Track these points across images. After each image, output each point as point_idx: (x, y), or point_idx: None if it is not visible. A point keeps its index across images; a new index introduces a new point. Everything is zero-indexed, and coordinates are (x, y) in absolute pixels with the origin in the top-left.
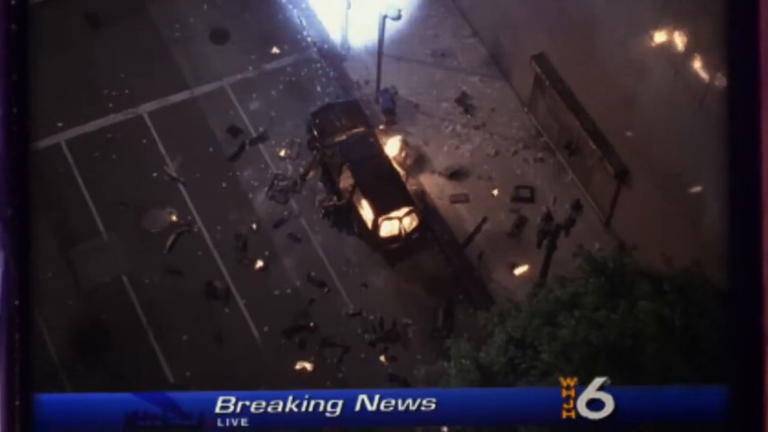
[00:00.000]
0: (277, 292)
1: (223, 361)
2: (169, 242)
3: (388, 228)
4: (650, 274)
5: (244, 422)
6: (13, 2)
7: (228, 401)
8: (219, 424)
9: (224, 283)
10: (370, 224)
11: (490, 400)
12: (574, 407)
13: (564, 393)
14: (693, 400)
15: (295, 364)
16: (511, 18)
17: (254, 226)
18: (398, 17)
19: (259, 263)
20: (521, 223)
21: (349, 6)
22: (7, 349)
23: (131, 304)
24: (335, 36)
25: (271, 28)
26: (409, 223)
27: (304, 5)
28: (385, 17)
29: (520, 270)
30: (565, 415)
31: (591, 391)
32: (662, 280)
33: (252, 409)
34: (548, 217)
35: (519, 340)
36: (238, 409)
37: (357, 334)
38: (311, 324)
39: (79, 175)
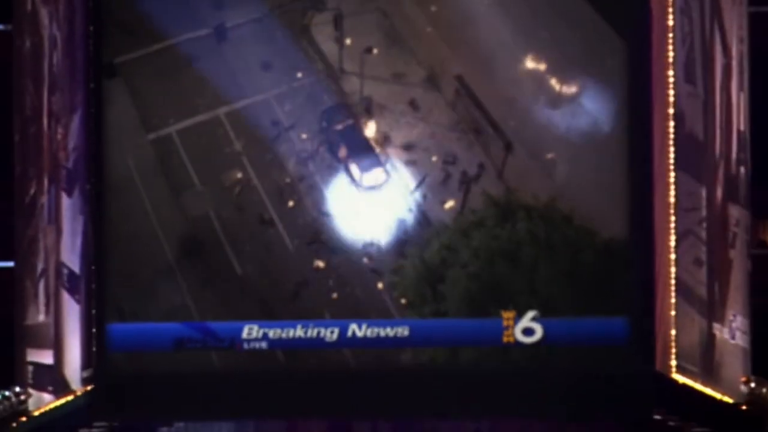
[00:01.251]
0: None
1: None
2: (236, 191)
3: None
4: (525, 206)
5: (264, 345)
6: None
7: (252, 329)
8: (245, 346)
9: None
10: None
11: (450, 327)
12: (512, 333)
13: (504, 323)
14: (601, 328)
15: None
16: (444, 50)
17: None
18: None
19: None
20: (448, 176)
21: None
22: (86, 294)
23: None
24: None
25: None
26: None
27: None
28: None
29: (448, 205)
30: (505, 339)
31: (525, 321)
32: (531, 210)
33: (270, 335)
34: (463, 172)
35: (448, 245)
36: (260, 335)
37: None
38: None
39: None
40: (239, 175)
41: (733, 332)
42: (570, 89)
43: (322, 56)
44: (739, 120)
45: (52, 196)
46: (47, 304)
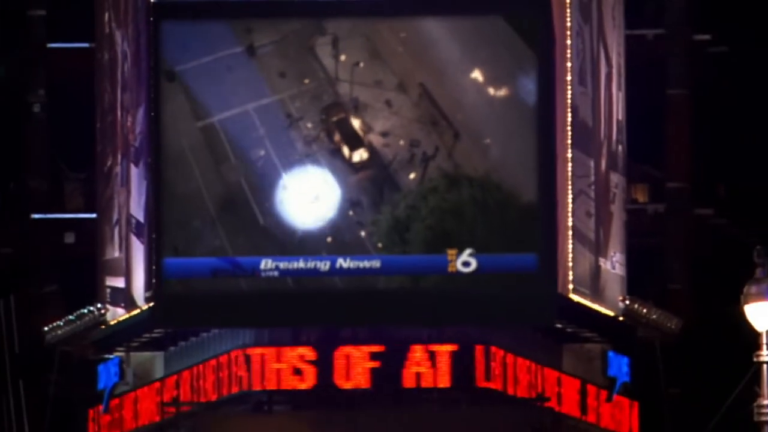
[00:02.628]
0: None
1: None
2: (259, 164)
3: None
4: (467, 177)
5: (276, 273)
6: None
7: (267, 262)
8: (263, 275)
9: None
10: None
11: (411, 261)
12: (455, 265)
13: (449, 258)
14: (518, 262)
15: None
16: (410, 64)
17: None
18: None
19: None
20: (413, 156)
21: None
22: (148, 237)
23: None
24: None
25: None
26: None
27: None
28: None
29: (412, 176)
30: (450, 269)
31: (464, 257)
32: (471, 180)
33: (281, 266)
34: (424, 153)
35: (412, 205)
36: (273, 267)
37: None
38: None
39: None
40: (262, 152)
41: (613, 264)
42: (500, 92)
43: (323, 68)
44: (618, 112)
45: (123, 166)
46: (120, 244)
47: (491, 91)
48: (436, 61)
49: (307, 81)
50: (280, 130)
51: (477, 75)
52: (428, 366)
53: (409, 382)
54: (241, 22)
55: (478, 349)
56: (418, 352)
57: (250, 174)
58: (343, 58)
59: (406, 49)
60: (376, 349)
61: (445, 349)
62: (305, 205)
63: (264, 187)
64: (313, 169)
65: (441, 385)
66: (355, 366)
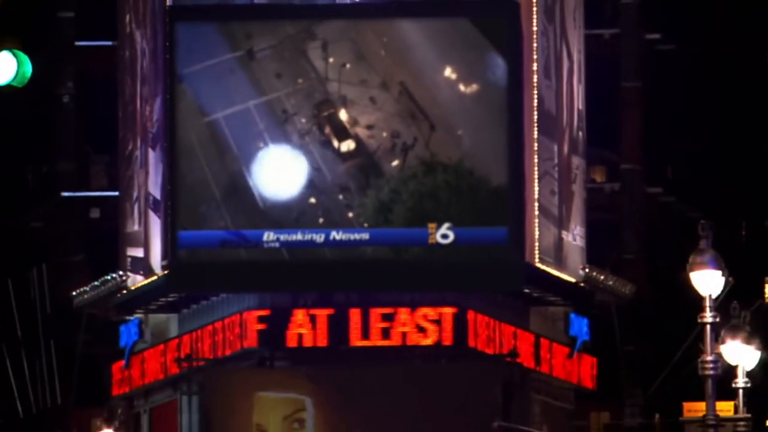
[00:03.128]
0: None
1: None
2: (259, 154)
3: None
4: (443, 164)
5: (277, 245)
6: None
7: (269, 235)
8: (265, 246)
9: None
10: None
11: (396, 234)
12: (435, 238)
13: (429, 231)
14: (491, 234)
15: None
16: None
17: None
18: None
19: None
20: (394, 145)
21: None
22: (164, 212)
23: None
24: None
25: None
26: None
27: None
28: None
29: (394, 163)
30: (430, 241)
31: (442, 230)
32: (446, 167)
33: (281, 239)
34: (404, 143)
35: (395, 189)
36: (274, 239)
37: None
38: None
39: None
40: (261, 144)
41: (574, 236)
42: (472, 89)
43: (314, 69)
44: (578, 102)
45: (142, 150)
46: (139, 219)
47: (462, 87)
48: (414, 62)
49: (300, 81)
50: (277, 124)
51: (449, 74)
52: (413, 327)
53: (396, 340)
54: (242, 28)
55: (457, 312)
56: (403, 314)
57: (251, 162)
58: (331, 60)
59: (387, 52)
60: (365, 312)
61: (428, 312)
62: (300, 190)
63: (263, 175)
64: (307, 158)
65: (424, 344)
66: (351, 326)
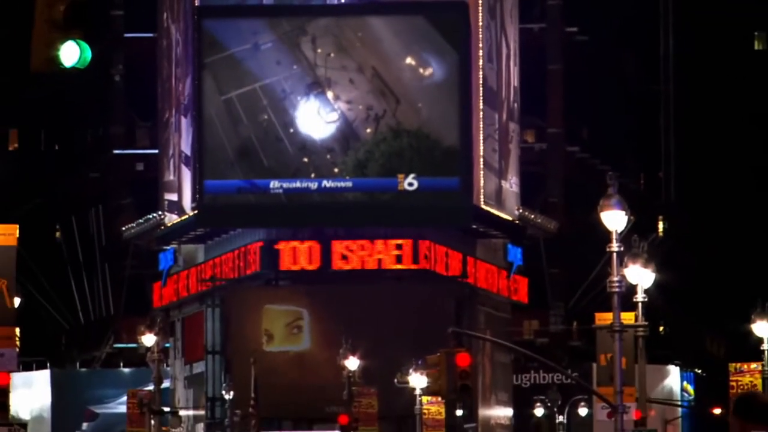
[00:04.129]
0: None
1: None
2: (264, 124)
3: None
4: (407, 131)
5: (281, 191)
6: None
7: (275, 183)
8: (271, 192)
9: None
10: None
11: (372, 182)
12: (404, 185)
13: (399, 180)
14: (446, 183)
15: (302, 159)
16: (366, 54)
17: None
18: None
19: None
20: (368, 116)
21: None
22: (194, 165)
23: None
24: None
25: None
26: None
27: None
28: None
29: (368, 130)
30: (399, 188)
31: (408, 179)
32: (410, 132)
33: (284, 186)
34: (376, 114)
35: (369, 150)
36: (278, 186)
37: None
38: None
39: None
40: (265, 116)
41: (511, 185)
42: (429, 71)
43: (306, 58)
44: (514, 80)
45: (176, 117)
46: (174, 171)
47: (420, 71)
48: (383, 52)
49: (295, 67)
50: (278, 101)
51: (410, 61)
52: (385, 254)
53: (372, 265)
54: (249, 27)
55: (421, 243)
56: (378, 245)
57: (258, 131)
58: (319, 51)
59: (362, 44)
60: (348, 243)
61: (397, 243)
62: (295, 151)
63: (267, 140)
64: (301, 126)
65: (394, 268)
66: (335, 254)
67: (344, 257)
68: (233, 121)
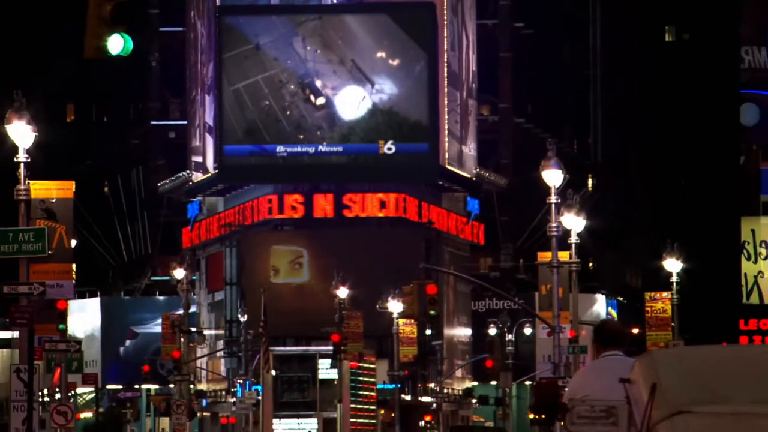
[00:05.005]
0: None
1: None
2: (266, 109)
3: None
4: (385, 111)
5: (285, 154)
6: None
7: (280, 148)
8: (277, 155)
9: None
10: None
11: (358, 147)
12: (384, 149)
13: (380, 145)
14: (418, 148)
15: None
16: (346, 48)
17: None
18: None
19: None
20: (350, 99)
21: None
22: (215, 133)
23: None
24: None
25: None
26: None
27: None
28: None
29: (350, 111)
30: (380, 151)
31: (388, 145)
32: (386, 111)
33: (288, 150)
34: (355, 97)
35: (357, 124)
36: (284, 150)
37: None
38: None
39: None
40: (266, 102)
41: (470, 149)
42: (395, 62)
43: (298, 54)
44: (472, 65)
45: (201, 96)
46: (199, 138)
47: (390, 61)
48: (359, 47)
49: (289, 62)
50: (276, 89)
51: (382, 54)
52: (370, 205)
53: (358, 213)
54: (252, 29)
55: (398, 196)
56: (366, 198)
57: (264, 114)
58: (308, 48)
59: (342, 42)
60: (340, 196)
61: (378, 197)
62: (292, 130)
63: (269, 122)
64: (295, 110)
65: (376, 216)
66: (329, 205)
67: (337, 207)
68: (240, 106)
